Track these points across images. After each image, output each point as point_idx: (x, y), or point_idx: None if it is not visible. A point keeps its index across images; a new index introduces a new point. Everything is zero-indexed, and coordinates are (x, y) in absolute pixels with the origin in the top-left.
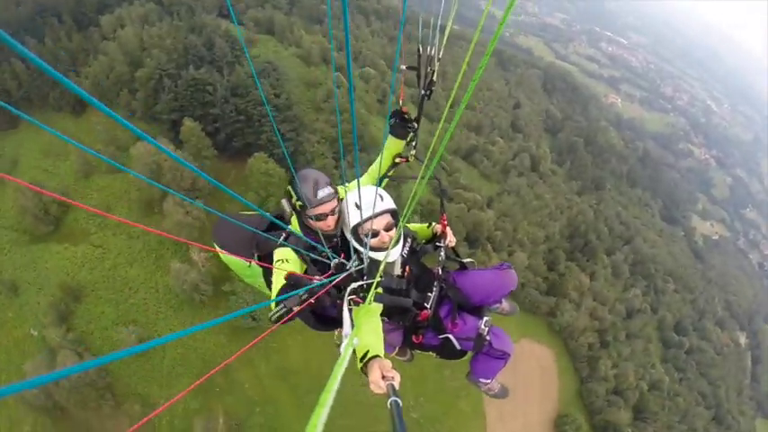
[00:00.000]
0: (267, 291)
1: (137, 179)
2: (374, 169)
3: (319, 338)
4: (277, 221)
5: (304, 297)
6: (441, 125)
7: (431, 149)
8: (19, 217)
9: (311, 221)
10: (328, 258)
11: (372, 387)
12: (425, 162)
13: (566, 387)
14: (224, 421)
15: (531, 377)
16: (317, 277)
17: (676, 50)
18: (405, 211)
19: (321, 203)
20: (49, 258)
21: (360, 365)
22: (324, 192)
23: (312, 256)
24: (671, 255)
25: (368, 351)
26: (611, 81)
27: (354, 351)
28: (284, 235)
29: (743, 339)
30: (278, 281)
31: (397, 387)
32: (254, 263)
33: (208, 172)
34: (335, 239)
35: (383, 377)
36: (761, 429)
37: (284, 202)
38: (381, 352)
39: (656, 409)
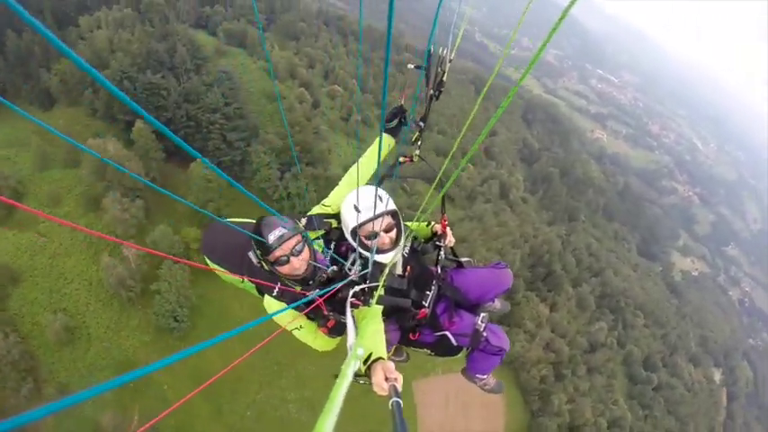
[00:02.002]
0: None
1: (85, 175)
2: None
3: (240, 343)
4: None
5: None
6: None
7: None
8: None
9: (276, 268)
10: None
11: (375, 389)
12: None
13: (513, 420)
14: (138, 420)
15: (473, 408)
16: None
17: (666, 90)
18: (418, 215)
19: (277, 247)
20: None
21: (363, 368)
22: (275, 234)
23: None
24: (643, 289)
25: (371, 353)
26: (598, 117)
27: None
28: (279, 287)
29: (717, 376)
30: (307, 335)
31: (399, 389)
32: (245, 282)
33: (155, 173)
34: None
35: (386, 379)
36: None
37: (250, 254)
38: (384, 354)
39: None
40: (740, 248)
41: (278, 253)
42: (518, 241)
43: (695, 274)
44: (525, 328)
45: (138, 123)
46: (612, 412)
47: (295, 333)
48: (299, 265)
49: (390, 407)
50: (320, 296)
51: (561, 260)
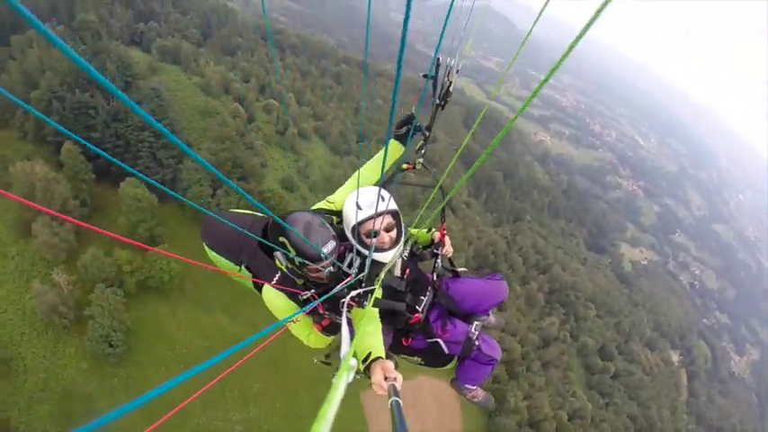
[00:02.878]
0: (257, 292)
1: (14, 200)
2: (363, 174)
3: (184, 367)
4: (266, 242)
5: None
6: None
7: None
8: None
9: (310, 273)
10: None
11: (375, 388)
12: (439, 183)
13: (470, 423)
14: None
15: (428, 415)
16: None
17: (606, 90)
18: (419, 215)
19: (326, 258)
20: None
21: (362, 367)
22: (329, 247)
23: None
24: (593, 281)
25: (370, 353)
26: (542, 120)
27: (355, 355)
28: (279, 275)
29: (675, 357)
30: (302, 330)
31: (398, 388)
32: (243, 270)
33: (85, 195)
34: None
35: (385, 378)
36: None
37: (279, 256)
38: (383, 353)
39: None
40: (686, 235)
41: (325, 263)
42: (461, 245)
43: (644, 262)
44: None
45: (67, 145)
46: (572, 404)
47: (289, 326)
48: (333, 269)
49: (390, 406)
50: (321, 302)
51: (507, 260)
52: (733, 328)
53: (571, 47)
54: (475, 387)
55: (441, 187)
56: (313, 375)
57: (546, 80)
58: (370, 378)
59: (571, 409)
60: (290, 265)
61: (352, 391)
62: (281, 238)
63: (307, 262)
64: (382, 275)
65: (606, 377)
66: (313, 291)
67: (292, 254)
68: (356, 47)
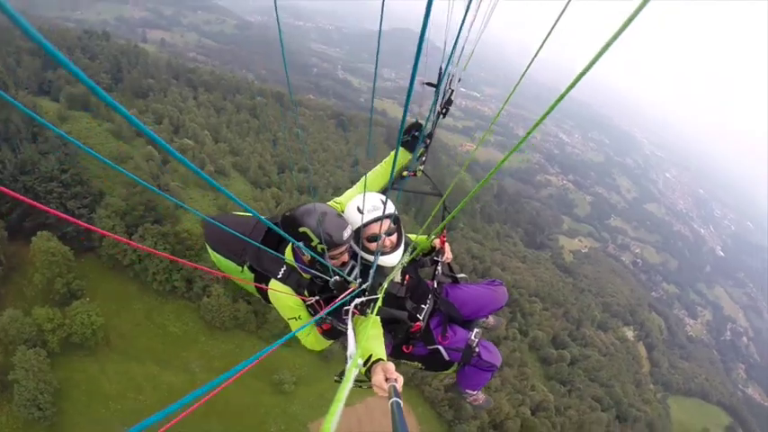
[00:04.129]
0: (257, 295)
1: None
2: (367, 180)
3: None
4: (277, 229)
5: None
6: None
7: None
8: None
9: (328, 259)
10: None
11: (375, 389)
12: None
13: None
14: None
15: None
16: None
17: (525, 95)
18: (426, 222)
19: (345, 243)
20: None
21: (363, 369)
22: (348, 232)
23: (317, 275)
24: (535, 276)
25: (371, 355)
26: (466, 131)
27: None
28: (284, 270)
29: (630, 333)
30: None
31: (399, 389)
32: (245, 271)
33: None
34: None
35: (386, 379)
36: (675, 406)
37: (302, 246)
38: (384, 356)
39: (544, 430)
40: (621, 218)
41: (340, 250)
42: None
43: (585, 250)
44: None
45: None
46: (533, 398)
47: (291, 323)
48: (346, 258)
49: (390, 407)
50: (325, 306)
51: None
52: (682, 295)
53: (568, 89)
54: (475, 392)
55: (441, 196)
56: (258, 417)
57: (539, 122)
58: (370, 380)
59: (533, 403)
60: (309, 257)
61: (301, 421)
62: (302, 229)
63: (326, 248)
64: (385, 285)
65: (563, 365)
66: (317, 297)
67: (315, 242)
68: (275, 79)
